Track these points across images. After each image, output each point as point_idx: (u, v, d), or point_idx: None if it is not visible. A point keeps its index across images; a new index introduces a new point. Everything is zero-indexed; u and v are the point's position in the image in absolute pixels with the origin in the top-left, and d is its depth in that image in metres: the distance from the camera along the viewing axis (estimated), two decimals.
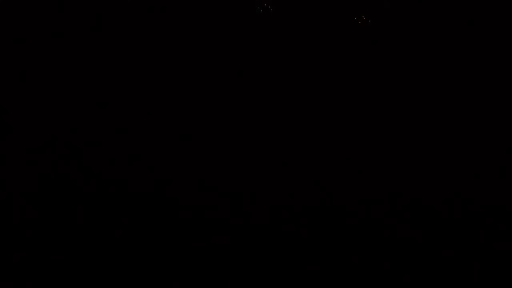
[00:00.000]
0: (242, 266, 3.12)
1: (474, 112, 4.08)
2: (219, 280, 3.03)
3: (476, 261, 3.19)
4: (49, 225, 3.32)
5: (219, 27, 3.98)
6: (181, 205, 3.49)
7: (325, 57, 4.08)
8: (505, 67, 4.07)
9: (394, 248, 3.28)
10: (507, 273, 3.12)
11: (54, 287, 2.96)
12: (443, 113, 4.08)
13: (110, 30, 4.00)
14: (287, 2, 4.06)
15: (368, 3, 4.07)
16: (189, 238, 3.28)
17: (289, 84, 4.03)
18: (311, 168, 3.86)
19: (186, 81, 4.02)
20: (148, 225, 3.36)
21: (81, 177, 3.61)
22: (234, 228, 3.36)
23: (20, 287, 2.93)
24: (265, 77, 4.01)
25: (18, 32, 4.03)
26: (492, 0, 4.03)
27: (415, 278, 3.09)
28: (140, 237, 3.26)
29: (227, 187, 3.67)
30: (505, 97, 4.04)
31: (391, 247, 3.28)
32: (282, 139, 3.95)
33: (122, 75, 4.05)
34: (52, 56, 4.04)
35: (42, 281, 2.97)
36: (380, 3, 4.04)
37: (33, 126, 3.86)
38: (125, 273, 3.04)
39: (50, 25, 4.02)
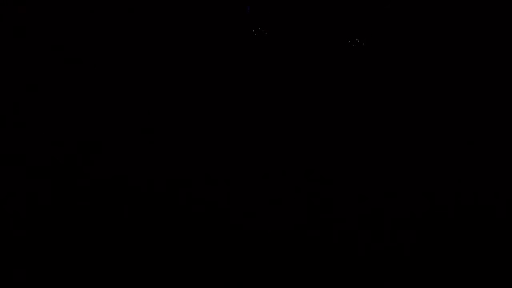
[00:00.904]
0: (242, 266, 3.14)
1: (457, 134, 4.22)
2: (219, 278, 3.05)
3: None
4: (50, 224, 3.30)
5: (216, 49, 4.05)
6: (181, 204, 3.51)
7: (319, 78, 4.16)
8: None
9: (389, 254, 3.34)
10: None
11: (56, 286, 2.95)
12: (430, 130, 4.19)
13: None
14: (281, 26, 4.14)
15: (362, 26, 4.18)
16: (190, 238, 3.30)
17: (283, 104, 4.09)
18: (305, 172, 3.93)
19: (185, 100, 4.08)
20: (150, 224, 3.37)
21: (83, 175, 3.61)
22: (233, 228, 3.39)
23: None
24: (260, 96, 4.07)
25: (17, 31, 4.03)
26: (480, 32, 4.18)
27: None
28: (141, 236, 3.27)
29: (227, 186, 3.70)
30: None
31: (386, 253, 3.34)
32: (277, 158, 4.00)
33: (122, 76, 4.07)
34: (50, 55, 4.05)
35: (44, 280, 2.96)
36: (374, 26, 4.15)
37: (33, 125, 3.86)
38: (126, 271, 3.04)
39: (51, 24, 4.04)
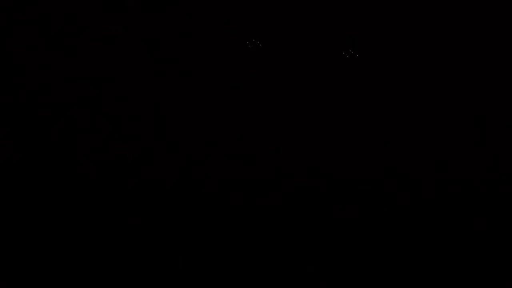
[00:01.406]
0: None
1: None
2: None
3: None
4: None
5: (211, 60, 4.08)
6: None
7: (313, 89, 4.24)
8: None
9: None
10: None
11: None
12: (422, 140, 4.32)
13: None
14: (275, 38, 4.21)
15: (355, 38, 4.27)
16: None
17: (277, 116, 4.15)
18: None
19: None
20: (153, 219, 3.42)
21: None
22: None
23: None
24: (255, 109, 4.11)
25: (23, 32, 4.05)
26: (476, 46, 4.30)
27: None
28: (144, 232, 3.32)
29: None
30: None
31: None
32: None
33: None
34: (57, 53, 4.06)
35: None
36: (368, 38, 4.25)
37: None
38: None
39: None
